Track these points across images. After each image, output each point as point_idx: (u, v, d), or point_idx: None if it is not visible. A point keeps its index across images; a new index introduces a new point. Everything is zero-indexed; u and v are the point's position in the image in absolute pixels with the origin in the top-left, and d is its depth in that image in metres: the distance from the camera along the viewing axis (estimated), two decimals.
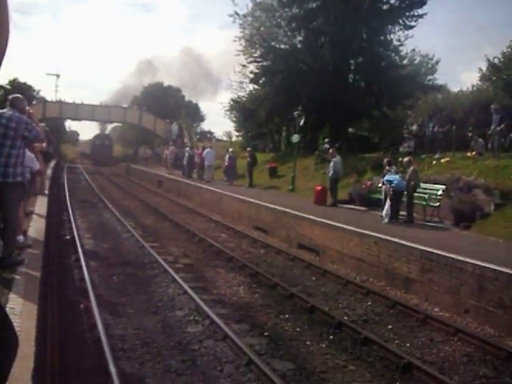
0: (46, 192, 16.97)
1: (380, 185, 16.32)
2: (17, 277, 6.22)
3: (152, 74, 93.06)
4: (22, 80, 65.40)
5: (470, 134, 21.81)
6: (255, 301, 9.94)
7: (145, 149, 52.66)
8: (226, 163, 29.63)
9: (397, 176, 15.08)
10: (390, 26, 30.42)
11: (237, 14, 35.43)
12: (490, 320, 8.89)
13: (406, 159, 16.17)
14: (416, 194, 15.41)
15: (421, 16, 28.82)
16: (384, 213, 15.04)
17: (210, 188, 24.87)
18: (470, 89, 30.69)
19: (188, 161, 31.05)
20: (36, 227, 10.15)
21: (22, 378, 3.63)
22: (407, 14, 29.01)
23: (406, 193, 15.12)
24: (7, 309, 4.94)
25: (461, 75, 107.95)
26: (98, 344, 6.85)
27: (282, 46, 33.79)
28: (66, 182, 32.69)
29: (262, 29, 34.42)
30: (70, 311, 8.31)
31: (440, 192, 15.55)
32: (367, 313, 9.54)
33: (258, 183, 26.90)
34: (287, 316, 9.09)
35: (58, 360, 5.97)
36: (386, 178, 15.19)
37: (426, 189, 15.94)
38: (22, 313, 4.89)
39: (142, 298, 9.55)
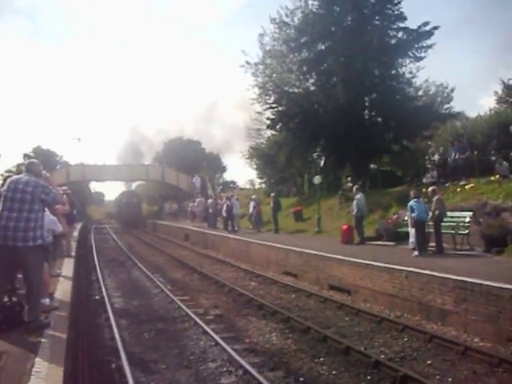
0: (73, 254, 17.06)
1: (406, 218, 16.11)
2: (43, 340, 6.17)
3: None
4: (44, 147, 67.22)
5: (493, 158, 21.53)
6: (288, 346, 9.73)
7: (171, 204, 52.95)
8: (251, 211, 29.67)
9: (419, 205, 14.91)
10: (400, 60, 30.63)
11: (248, 63, 36.12)
12: None
13: (430, 189, 15.97)
14: (443, 224, 15.12)
15: (429, 46, 28.96)
16: (410, 241, 14.87)
17: (236, 237, 24.81)
18: (488, 113, 30.48)
19: (227, 212, 28.84)
20: (63, 289, 10.14)
21: None
22: (416, 45, 29.19)
23: (430, 222, 14.94)
24: (33, 373, 4.89)
25: (478, 101, 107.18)
26: None
27: (296, 90, 34.17)
28: (93, 242, 32.96)
29: (274, 75, 34.99)
30: (102, 371, 8.22)
31: (467, 219, 15.25)
32: (404, 349, 9.25)
33: (284, 228, 26.75)
34: (322, 359, 8.86)
35: None
36: (410, 203, 14.99)
37: (453, 217, 15.64)
38: (48, 376, 4.82)
39: (174, 353, 9.41)
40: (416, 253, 14.59)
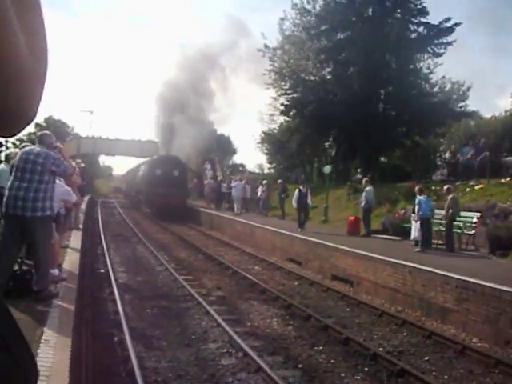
0: (81, 226, 17.22)
1: (412, 215, 16.18)
2: (51, 310, 6.31)
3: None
4: (56, 117, 67.16)
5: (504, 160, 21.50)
6: (289, 333, 9.85)
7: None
8: (259, 195, 29.81)
9: (427, 201, 15.02)
10: (418, 55, 30.49)
11: (266, 47, 36.01)
12: None
13: (445, 187, 15.93)
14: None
15: (450, 43, 28.83)
16: (412, 236, 15.11)
17: (242, 220, 24.91)
18: (504, 114, 30.34)
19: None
20: (71, 261, 10.29)
21: None
22: (436, 41, 29.03)
23: (443, 220, 15.05)
24: (42, 341, 5.02)
25: (494, 100, 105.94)
26: (131, 376, 6.87)
27: (312, 78, 34.09)
28: (100, 216, 33.10)
29: (292, 61, 34.85)
30: (105, 344, 8.36)
31: (475, 219, 15.29)
32: (403, 344, 9.35)
33: (291, 214, 26.78)
34: (321, 348, 8.97)
35: None
36: (419, 198, 15.06)
37: (460, 216, 15.68)
38: (56, 345, 4.95)
39: (176, 331, 9.54)
40: (418, 248, 14.69)
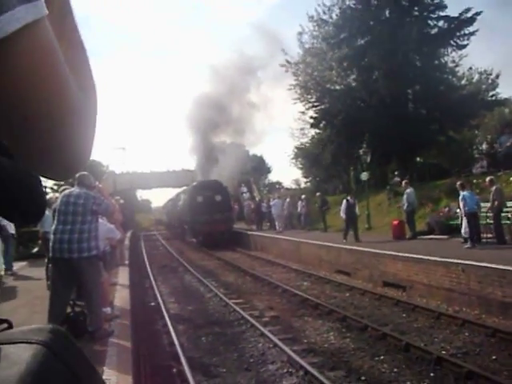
0: (127, 262, 17.36)
1: (457, 210, 15.86)
2: (108, 348, 6.32)
3: None
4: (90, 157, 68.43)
5: None
6: (347, 345, 9.66)
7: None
8: (299, 210, 29.69)
9: (471, 196, 14.73)
10: (442, 49, 30.13)
11: (288, 62, 36.09)
12: None
13: (487, 179, 15.60)
14: None
15: (472, 33, 28.47)
16: (463, 232, 14.77)
17: (285, 237, 24.80)
18: None
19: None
20: (121, 297, 10.35)
21: None
22: (457, 34, 28.70)
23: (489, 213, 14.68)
24: None
25: None
26: None
27: (337, 87, 34.03)
28: (144, 249, 33.38)
29: (315, 73, 34.83)
30: (164, 377, 8.34)
31: None
32: (466, 344, 9.07)
33: (333, 226, 26.58)
34: (382, 357, 8.76)
35: None
36: (463, 194, 14.80)
37: (507, 207, 15.29)
38: (118, 383, 4.93)
39: (233, 356, 9.45)
40: (468, 245, 14.37)
